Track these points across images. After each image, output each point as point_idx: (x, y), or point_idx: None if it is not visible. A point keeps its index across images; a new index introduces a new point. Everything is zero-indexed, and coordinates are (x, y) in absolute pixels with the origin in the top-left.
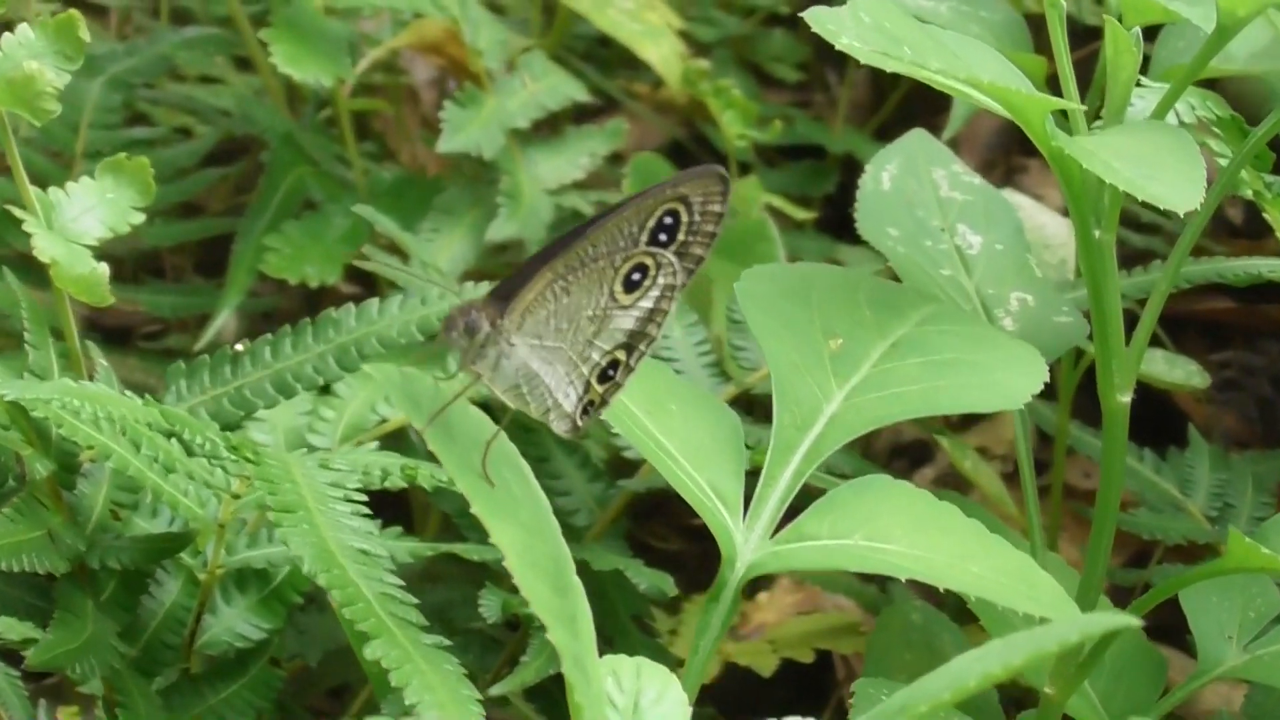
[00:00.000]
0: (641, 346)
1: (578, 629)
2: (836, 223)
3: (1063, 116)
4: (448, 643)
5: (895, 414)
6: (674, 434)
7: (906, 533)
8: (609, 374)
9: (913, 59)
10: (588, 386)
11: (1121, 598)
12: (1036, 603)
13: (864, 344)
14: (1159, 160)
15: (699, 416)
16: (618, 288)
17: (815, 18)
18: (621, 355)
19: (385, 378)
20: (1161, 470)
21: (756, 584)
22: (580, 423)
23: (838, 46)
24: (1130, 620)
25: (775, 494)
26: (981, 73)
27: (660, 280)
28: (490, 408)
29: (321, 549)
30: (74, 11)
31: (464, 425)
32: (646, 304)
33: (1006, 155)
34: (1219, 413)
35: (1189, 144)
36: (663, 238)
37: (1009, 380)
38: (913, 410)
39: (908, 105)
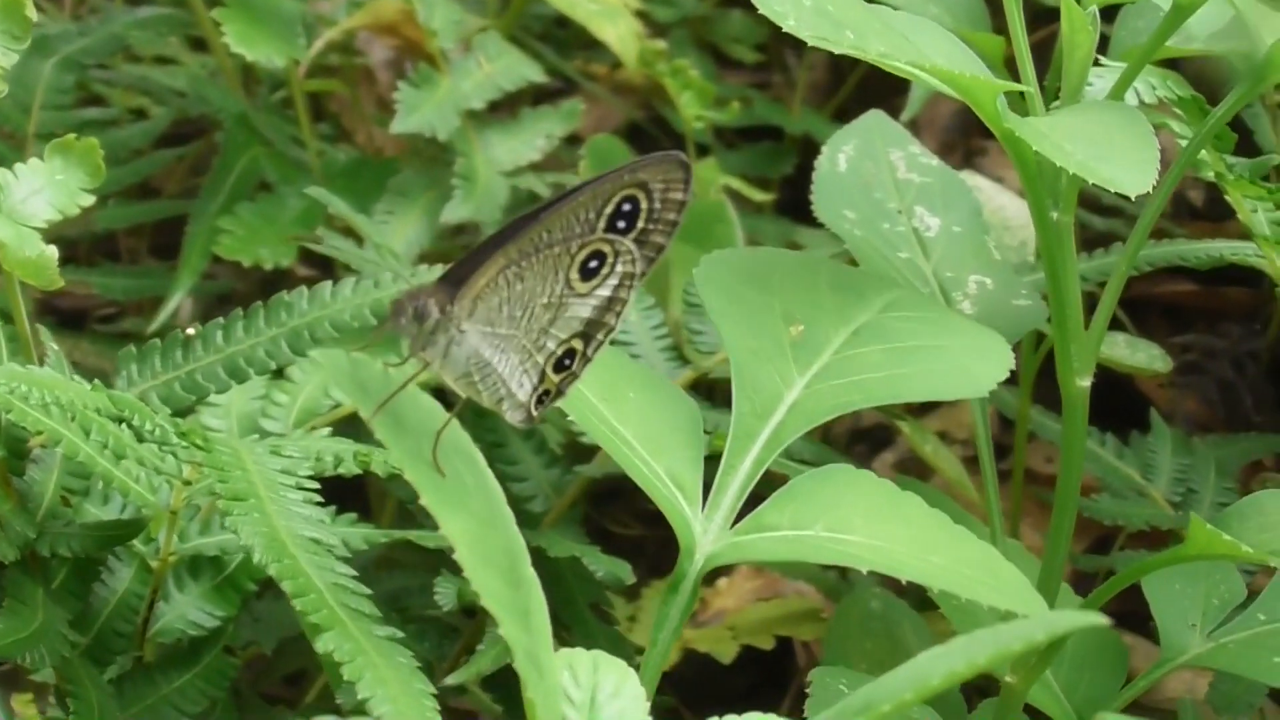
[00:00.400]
0: (599, 336)
1: (531, 622)
2: (795, 205)
3: (1020, 98)
4: (401, 634)
5: (857, 401)
6: (631, 421)
7: (868, 522)
8: (565, 363)
9: (854, 42)
10: (543, 375)
11: (1084, 584)
12: (1000, 594)
13: (825, 330)
14: (1111, 141)
15: (657, 403)
16: (574, 275)
17: (763, 1)
18: (578, 345)
19: (332, 364)
20: (1124, 455)
21: (717, 570)
22: (535, 412)
23: (784, 28)
24: (1097, 618)
25: (735, 483)
26: (931, 55)
27: (619, 268)
28: (444, 394)
29: (272, 538)
30: None
31: (414, 413)
32: (604, 292)
33: (966, 137)
34: (1180, 396)
35: (1142, 124)
36: (621, 225)
37: (973, 367)
38: (875, 398)
39: (866, 87)
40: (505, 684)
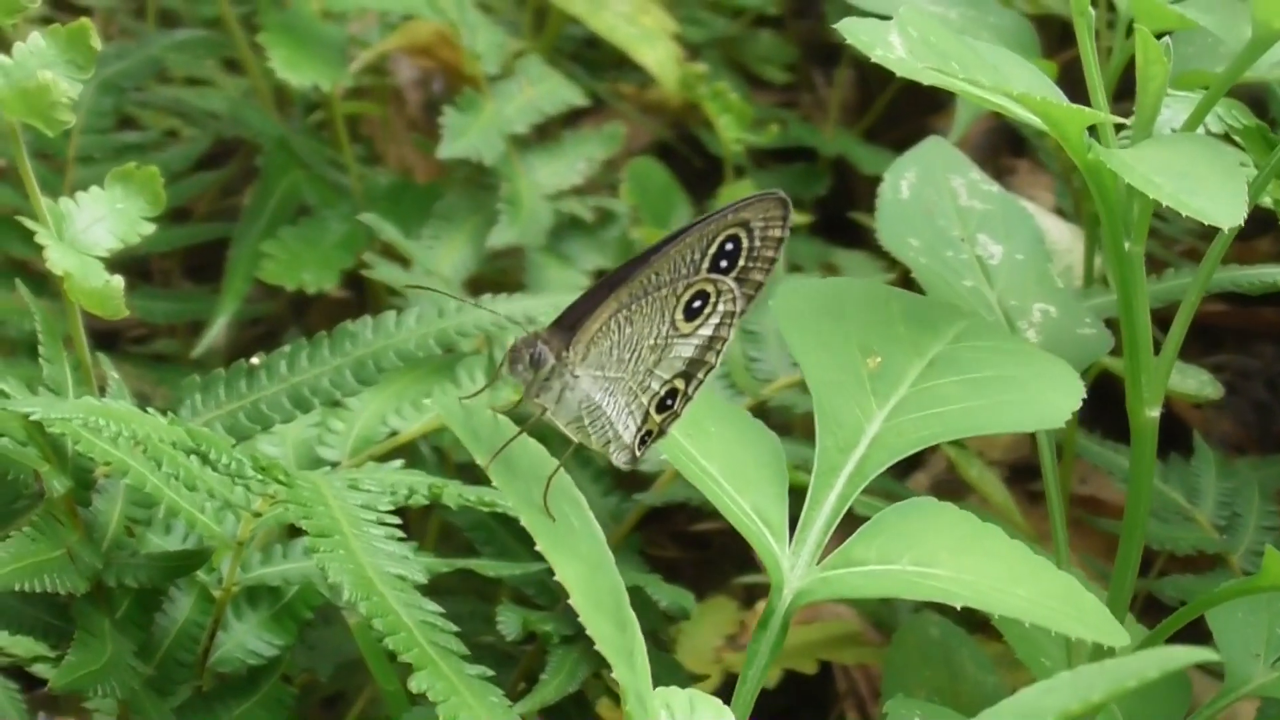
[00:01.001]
0: (700, 375)
1: (635, 663)
2: (830, 225)
3: (1098, 129)
4: (491, 673)
5: (937, 434)
6: (715, 456)
7: (953, 556)
8: (668, 403)
9: (965, 75)
10: (646, 416)
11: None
12: (1085, 626)
13: (901, 362)
14: (1199, 173)
15: (738, 438)
16: (679, 316)
17: (849, 29)
18: (680, 384)
19: (447, 411)
20: (1168, 479)
21: (753, 592)
22: (638, 453)
23: (873, 58)
24: (1208, 655)
25: (820, 518)
26: (1020, 85)
27: (721, 307)
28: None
29: (359, 575)
30: (85, 20)
31: (524, 459)
32: (706, 331)
33: (995, 156)
34: (1216, 417)
35: (1229, 157)
36: (723, 264)
37: (1047, 398)
38: (954, 431)
39: (895, 107)
40: (566, 714)
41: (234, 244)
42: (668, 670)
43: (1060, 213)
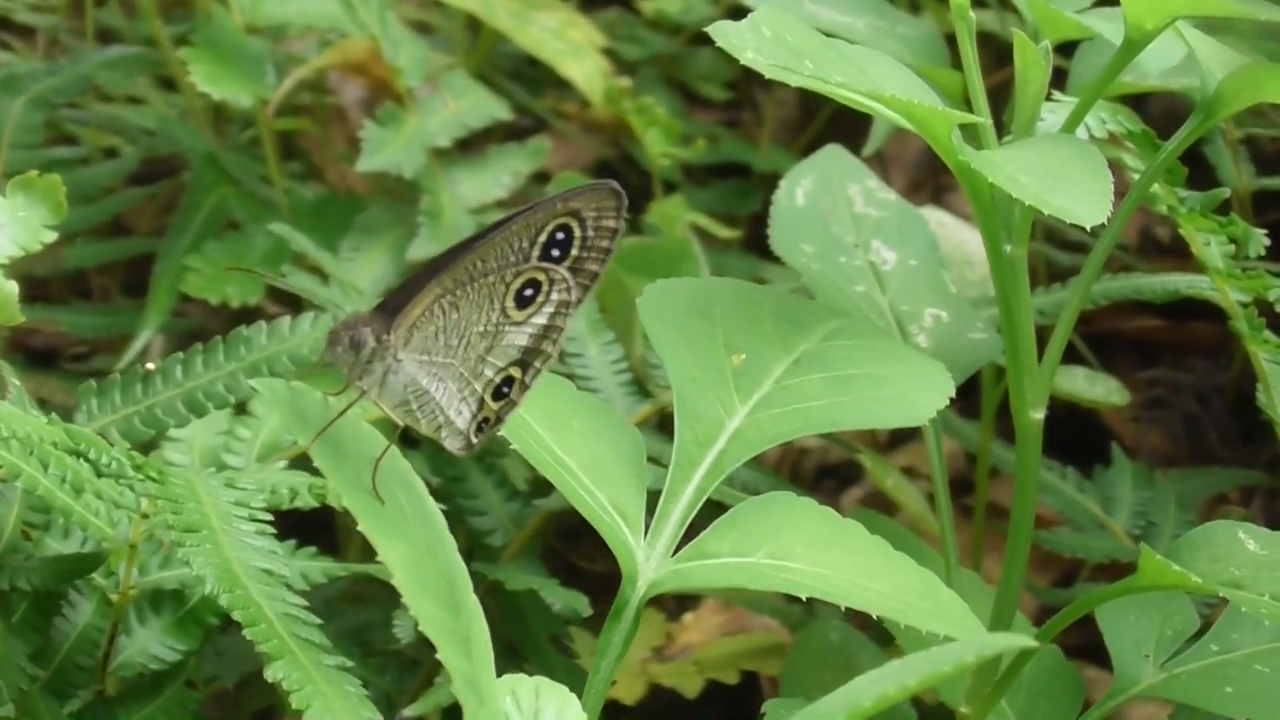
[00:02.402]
0: (537, 364)
1: (471, 649)
2: (761, 241)
3: (975, 131)
4: (350, 664)
5: (799, 429)
6: (575, 450)
7: (809, 550)
8: (504, 391)
9: (814, 72)
10: (481, 403)
11: (1047, 617)
12: (941, 620)
13: (767, 359)
14: (1066, 173)
15: (600, 432)
16: (509, 304)
17: (719, 31)
18: (516, 372)
19: (272, 393)
20: (1085, 488)
21: (683, 604)
22: (474, 440)
23: (742, 60)
24: (1029, 641)
25: (676, 511)
26: (886, 87)
27: (554, 296)
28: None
29: (224, 569)
30: None
31: (354, 442)
32: (540, 320)
33: (934, 174)
34: (1146, 430)
35: (1095, 157)
36: (555, 253)
37: (915, 395)
38: (816, 426)
39: (835, 124)
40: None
41: (159, 258)
42: (571, 676)
43: None
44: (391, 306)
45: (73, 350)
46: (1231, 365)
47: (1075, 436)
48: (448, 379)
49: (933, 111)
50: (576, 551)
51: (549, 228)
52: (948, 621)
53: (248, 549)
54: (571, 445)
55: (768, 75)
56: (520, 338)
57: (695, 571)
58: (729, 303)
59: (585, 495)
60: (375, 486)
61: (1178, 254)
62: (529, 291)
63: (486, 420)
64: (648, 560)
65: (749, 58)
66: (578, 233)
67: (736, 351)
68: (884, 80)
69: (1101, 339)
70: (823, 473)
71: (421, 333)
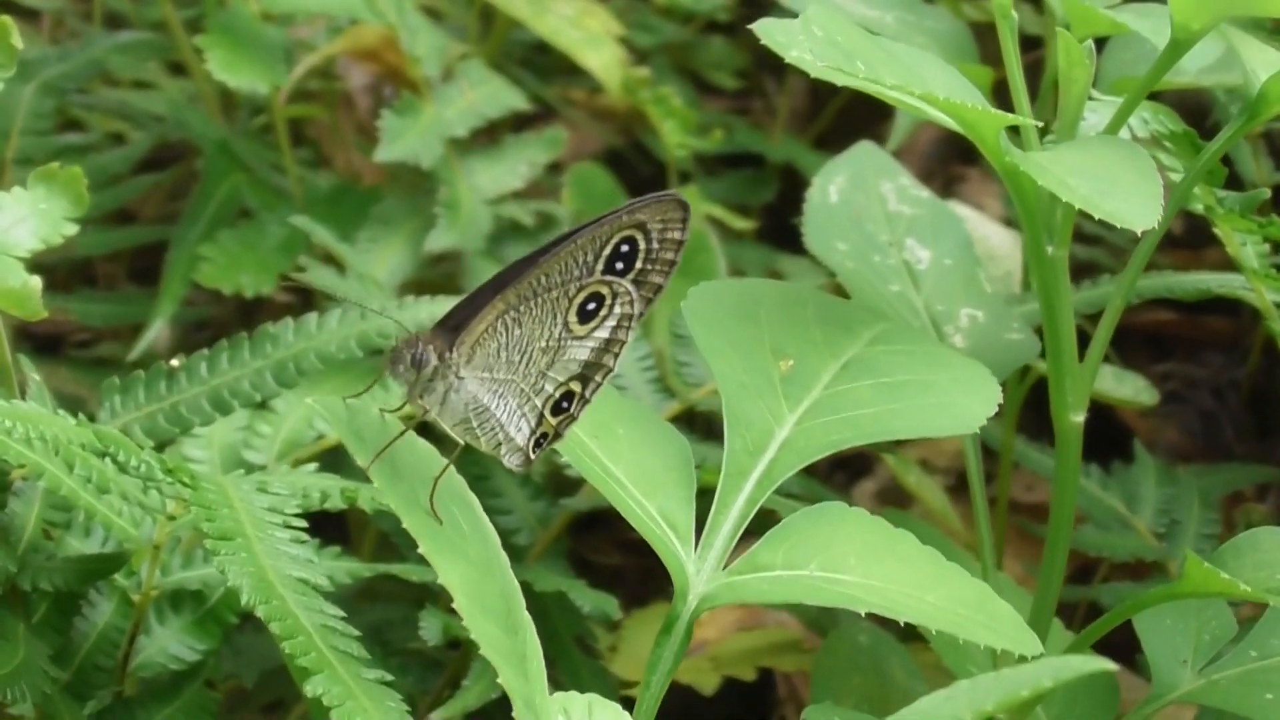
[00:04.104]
0: (597, 378)
1: (528, 668)
2: (776, 232)
3: (1014, 131)
4: (390, 678)
5: (849, 439)
6: (622, 459)
7: (862, 561)
8: (563, 406)
9: (867, 74)
10: (540, 419)
11: (1066, 614)
12: (996, 634)
13: (815, 365)
14: (1115, 176)
15: (647, 440)
16: (572, 318)
17: (765, 30)
18: (576, 387)
19: (330, 411)
20: (1108, 486)
21: None
22: (533, 455)
23: (787, 59)
24: (1104, 664)
25: (728, 522)
26: (935, 87)
27: (617, 309)
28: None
29: (260, 579)
30: (6, 18)
31: (410, 459)
32: (602, 334)
33: (945, 165)
34: (1161, 425)
35: (1145, 160)
36: (619, 266)
37: (963, 403)
38: (866, 435)
39: (847, 114)
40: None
41: (172, 247)
42: (597, 677)
43: (1008, 221)
44: (453, 323)
45: (77, 337)
46: (1247, 360)
47: (1091, 431)
48: (509, 395)
49: (983, 114)
50: (589, 545)
51: (614, 240)
52: (1004, 635)
53: (283, 557)
54: (618, 453)
55: (816, 75)
56: (582, 352)
57: (748, 585)
58: (774, 306)
59: (635, 506)
60: (433, 505)
61: (1192, 246)
62: (592, 305)
63: (545, 435)
64: (699, 573)
65: (794, 56)
66: (642, 245)
67: (784, 357)
68: (931, 80)
69: (1116, 332)
70: (835, 465)
71: (484, 350)
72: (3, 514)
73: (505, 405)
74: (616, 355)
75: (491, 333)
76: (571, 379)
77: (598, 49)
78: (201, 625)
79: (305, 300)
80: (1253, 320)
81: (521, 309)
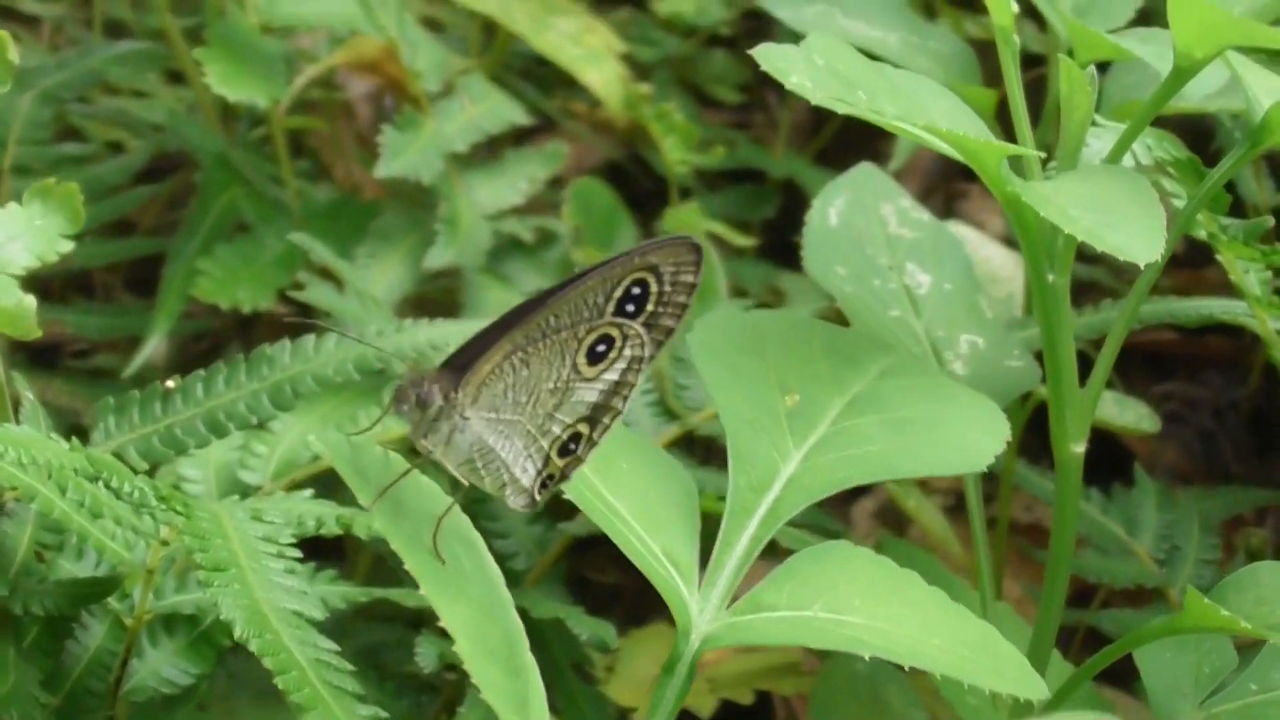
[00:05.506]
0: (606, 420)
1: (530, 712)
2: (777, 249)
3: (1021, 159)
4: (385, 715)
5: (854, 477)
6: (624, 494)
7: (866, 602)
8: (570, 447)
9: (869, 104)
10: (547, 460)
11: (1064, 638)
12: (1001, 678)
13: (821, 400)
14: (1118, 207)
15: (650, 475)
16: (581, 359)
17: (764, 55)
18: (584, 429)
19: (332, 450)
20: (1108, 510)
21: None
22: (538, 497)
23: (787, 85)
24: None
25: (731, 561)
26: (936, 116)
27: (627, 352)
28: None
29: (253, 611)
30: (3, 33)
31: (414, 498)
32: (611, 376)
33: (946, 181)
34: (1161, 446)
35: (1148, 191)
36: (630, 308)
37: (969, 440)
38: (872, 473)
39: (848, 129)
40: None
41: (169, 260)
42: (594, 704)
43: (1009, 239)
44: (459, 363)
45: (73, 346)
46: (1247, 380)
47: (1090, 452)
48: (515, 436)
49: (985, 145)
50: (587, 563)
51: (625, 282)
52: (1009, 680)
53: (277, 589)
54: (620, 488)
55: (817, 103)
56: (590, 394)
57: (751, 625)
58: (780, 340)
59: (638, 544)
60: (436, 545)
61: (1193, 265)
62: (602, 347)
63: (551, 477)
64: (701, 613)
65: (794, 82)
66: (654, 288)
67: (790, 391)
68: (933, 107)
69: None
70: None
71: (490, 390)
72: None
73: (511, 446)
74: (625, 398)
75: (498, 373)
76: (579, 420)
77: (598, 66)
78: (195, 648)
79: (305, 314)
80: (1253, 341)
81: (529, 350)
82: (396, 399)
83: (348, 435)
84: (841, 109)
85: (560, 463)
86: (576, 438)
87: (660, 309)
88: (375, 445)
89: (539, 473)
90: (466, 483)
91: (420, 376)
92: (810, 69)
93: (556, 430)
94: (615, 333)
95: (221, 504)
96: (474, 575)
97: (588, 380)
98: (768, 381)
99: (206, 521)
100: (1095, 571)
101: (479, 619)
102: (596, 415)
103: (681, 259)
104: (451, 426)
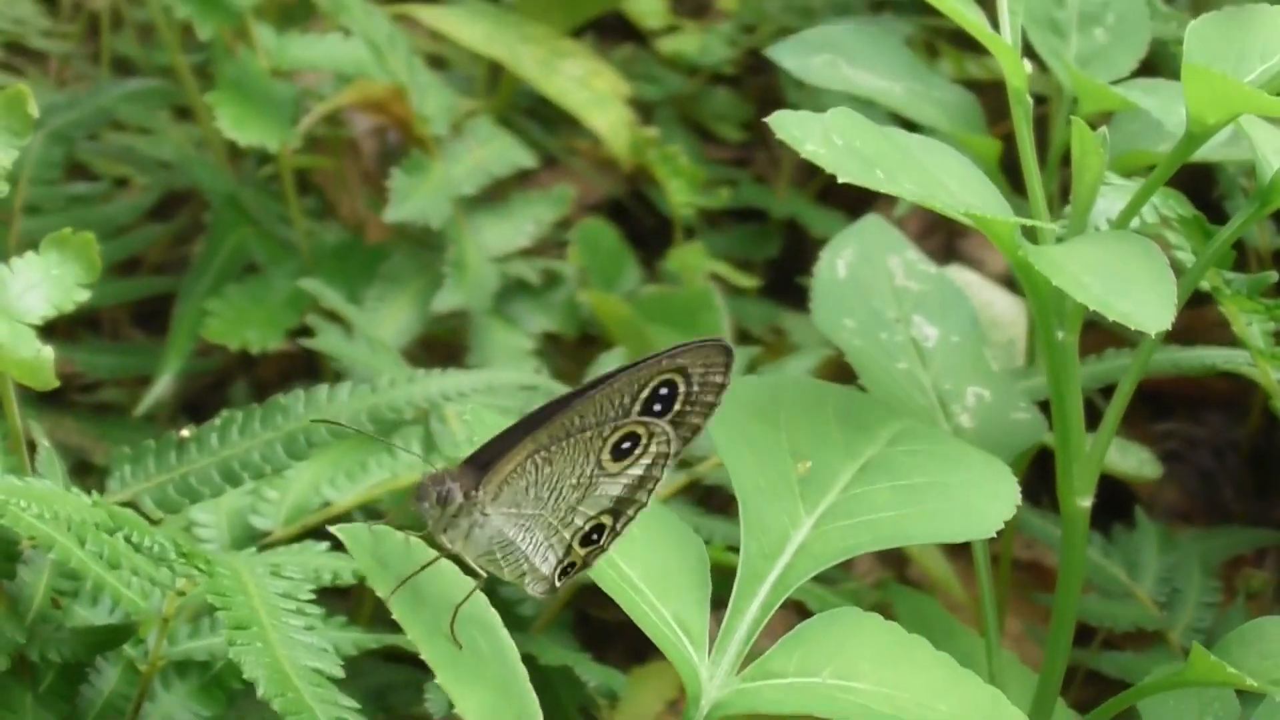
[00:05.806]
0: (629, 512)
1: None
2: (779, 288)
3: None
4: None
5: (865, 544)
6: (637, 561)
7: (875, 668)
8: (593, 538)
9: (886, 182)
10: (569, 549)
11: (1064, 680)
12: None
13: (833, 466)
14: (1129, 274)
15: (662, 539)
16: (605, 456)
17: (780, 123)
18: (607, 520)
19: (352, 540)
20: (1110, 553)
21: None
22: (558, 584)
23: (802, 154)
24: None
25: (742, 627)
26: (952, 184)
27: (653, 449)
28: None
29: (276, 669)
30: (23, 87)
31: (433, 585)
32: (636, 471)
33: (949, 220)
34: (1161, 485)
35: (1158, 257)
36: (657, 408)
37: (980, 506)
38: (883, 540)
39: None
40: None
41: (179, 300)
42: None
43: (1010, 280)
44: (482, 461)
45: (81, 382)
46: (1247, 419)
47: None
48: (535, 529)
49: (1000, 222)
50: (588, 599)
51: (653, 384)
52: None
53: (298, 646)
54: (633, 555)
55: (833, 173)
56: (614, 488)
57: (761, 692)
58: (793, 406)
59: (649, 611)
60: (454, 632)
61: (1192, 304)
62: (627, 445)
63: (573, 564)
64: (712, 679)
65: (809, 150)
66: (682, 388)
67: (802, 458)
68: (948, 176)
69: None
70: None
71: (512, 488)
72: (11, 584)
73: (532, 539)
74: (650, 491)
75: (520, 471)
76: (603, 513)
77: (605, 110)
78: (207, 691)
79: (311, 355)
80: (1253, 381)
81: (553, 449)
82: (418, 496)
83: (369, 525)
84: (861, 182)
85: (582, 551)
86: (600, 528)
87: (688, 408)
88: (395, 533)
89: (560, 561)
90: (485, 575)
91: (442, 474)
92: (830, 150)
93: (579, 522)
94: (641, 431)
95: (240, 558)
96: (491, 657)
97: (612, 475)
98: (780, 448)
99: (228, 579)
100: (1097, 615)
101: (493, 700)
102: (620, 507)
103: (711, 360)
104: (471, 523)
